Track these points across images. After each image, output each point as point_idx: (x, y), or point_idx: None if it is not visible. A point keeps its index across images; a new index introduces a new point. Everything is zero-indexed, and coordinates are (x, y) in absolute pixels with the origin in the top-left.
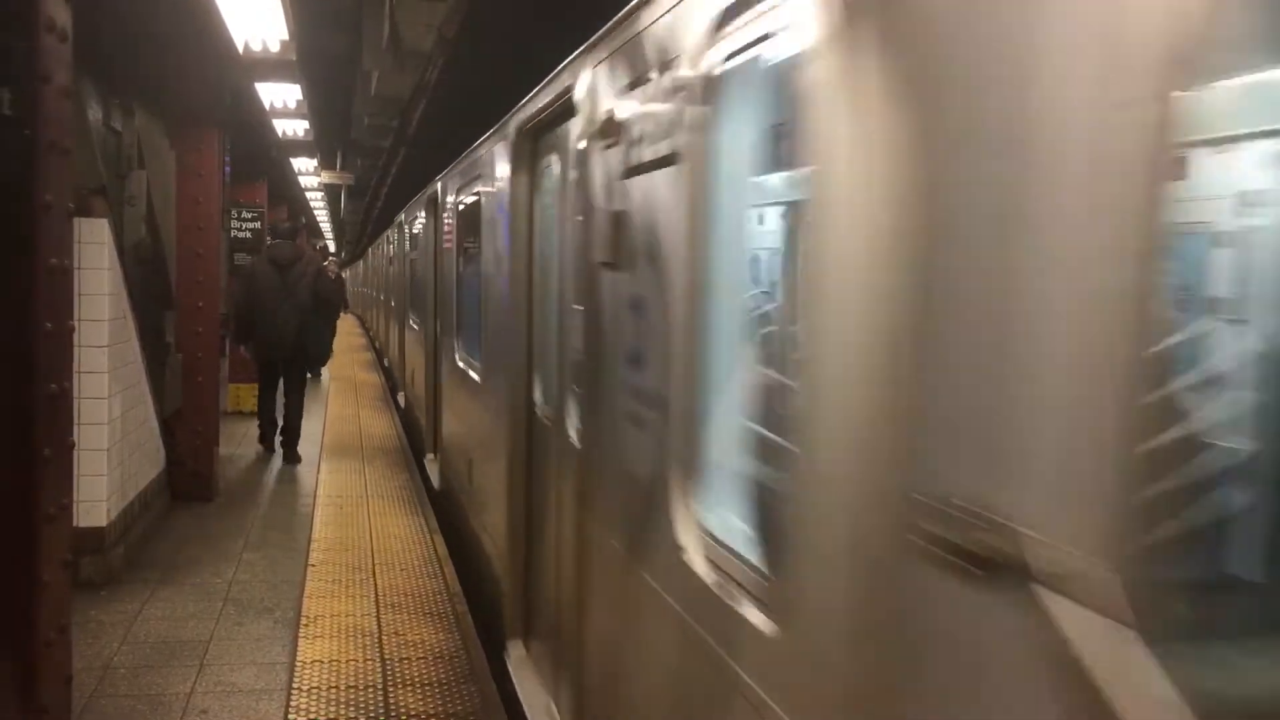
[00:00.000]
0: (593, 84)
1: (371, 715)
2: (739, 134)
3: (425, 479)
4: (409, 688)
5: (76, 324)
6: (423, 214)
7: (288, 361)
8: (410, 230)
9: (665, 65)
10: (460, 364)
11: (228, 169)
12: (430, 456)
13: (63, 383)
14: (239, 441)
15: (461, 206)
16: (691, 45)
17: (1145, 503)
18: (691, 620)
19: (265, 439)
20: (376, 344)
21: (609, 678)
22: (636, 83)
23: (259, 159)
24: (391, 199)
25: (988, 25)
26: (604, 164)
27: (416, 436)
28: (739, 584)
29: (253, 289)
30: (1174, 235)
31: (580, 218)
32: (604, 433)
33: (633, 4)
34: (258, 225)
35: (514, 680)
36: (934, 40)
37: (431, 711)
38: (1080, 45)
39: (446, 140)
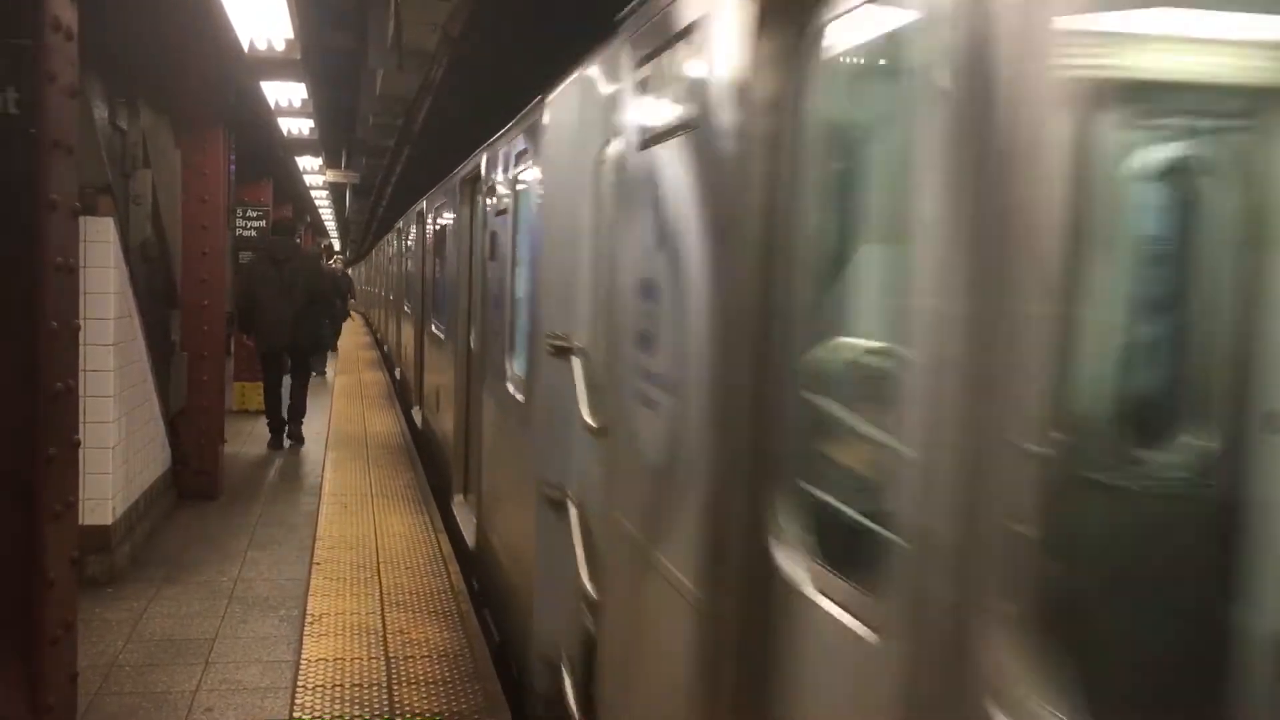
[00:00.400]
0: (485, 163)
1: (376, 713)
2: (526, 203)
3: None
4: (413, 686)
5: (82, 322)
6: (416, 222)
7: (287, 353)
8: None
9: (506, 164)
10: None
11: (233, 168)
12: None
13: (68, 381)
14: (244, 440)
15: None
16: (506, 159)
17: None
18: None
19: (274, 440)
20: (385, 347)
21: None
22: (496, 168)
23: (264, 158)
24: (396, 198)
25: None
26: (488, 204)
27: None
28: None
29: (251, 283)
30: None
31: (486, 231)
32: (488, 356)
33: (501, 132)
34: (263, 224)
35: (454, 512)
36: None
37: (436, 710)
38: None
39: (451, 138)
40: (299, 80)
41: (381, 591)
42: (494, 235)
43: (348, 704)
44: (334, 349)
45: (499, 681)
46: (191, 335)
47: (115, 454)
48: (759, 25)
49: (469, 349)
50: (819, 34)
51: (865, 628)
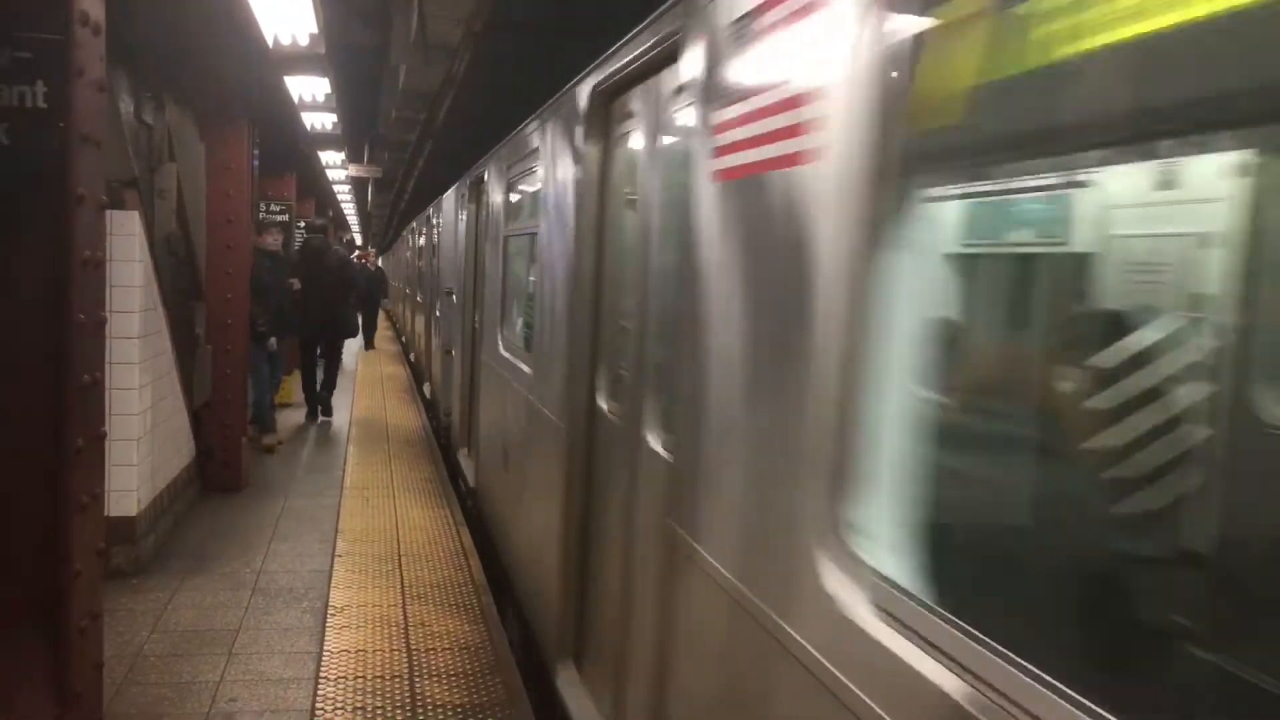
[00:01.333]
0: (489, 171)
1: (398, 705)
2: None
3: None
4: (435, 678)
5: (108, 315)
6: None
7: (321, 339)
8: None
9: (504, 174)
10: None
11: (256, 162)
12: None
13: (95, 373)
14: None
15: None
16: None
17: None
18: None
19: (310, 412)
20: (410, 353)
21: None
22: (504, 176)
23: (287, 152)
24: (418, 192)
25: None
26: (489, 204)
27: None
28: None
29: (301, 275)
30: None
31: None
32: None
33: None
34: (286, 218)
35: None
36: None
37: (457, 702)
38: None
39: (473, 133)
40: (322, 75)
41: (403, 584)
42: (486, 236)
43: (370, 695)
44: (368, 343)
45: (519, 674)
46: (216, 329)
47: (141, 446)
48: (588, 131)
49: (474, 330)
50: (613, 141)
51: (661, 447)
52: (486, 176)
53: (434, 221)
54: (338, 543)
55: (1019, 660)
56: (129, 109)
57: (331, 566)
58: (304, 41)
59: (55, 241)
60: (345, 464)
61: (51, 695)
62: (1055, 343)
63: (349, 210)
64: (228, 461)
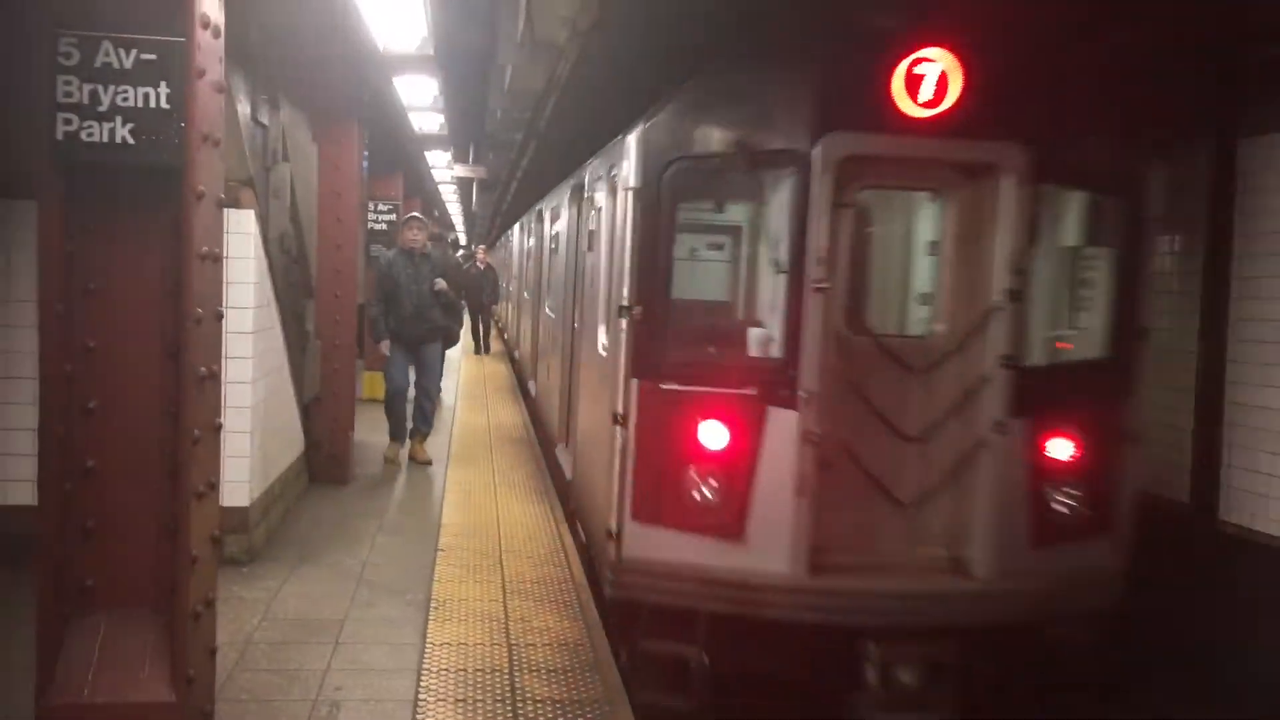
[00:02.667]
0: (587, 180)
1: (498, 698)
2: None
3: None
4: (534, 673)
5: (224, 311)
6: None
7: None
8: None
9: (601, 180)
10: None
11: (366, 163)
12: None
13: (212, 366)
14: (373, 427)
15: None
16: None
17: None
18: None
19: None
20: (514, 351)
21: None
22: (597, 187)
23: (395, 153)
24: (522, 191)
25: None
26: (585, 211)
27: None
28: None
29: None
30: None
31: (589, 228)
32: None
33: (600, 152)
34: (393, 218)
35: (558, 456)
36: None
37: (556, 697)
38: None
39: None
40: (431, 76)
41: (504, 579)
42: (591, 234)
43: (471, 688)
44: (482, 347)
45: (618, 672)
46: (325, 325)
47: (254, 438)
48: (576, 201)
49: (573, 330)
50: (584, 202)
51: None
52: (586, 181)
53: (542, 222)
54: (440, 537)
55: None
56: (246, 110)
57: (434, 560)
58: (414, 44)
59: (175, 237)
60: (448, 460)
61: (167, 679)
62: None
63: (454, 210)
64: (335, 455)
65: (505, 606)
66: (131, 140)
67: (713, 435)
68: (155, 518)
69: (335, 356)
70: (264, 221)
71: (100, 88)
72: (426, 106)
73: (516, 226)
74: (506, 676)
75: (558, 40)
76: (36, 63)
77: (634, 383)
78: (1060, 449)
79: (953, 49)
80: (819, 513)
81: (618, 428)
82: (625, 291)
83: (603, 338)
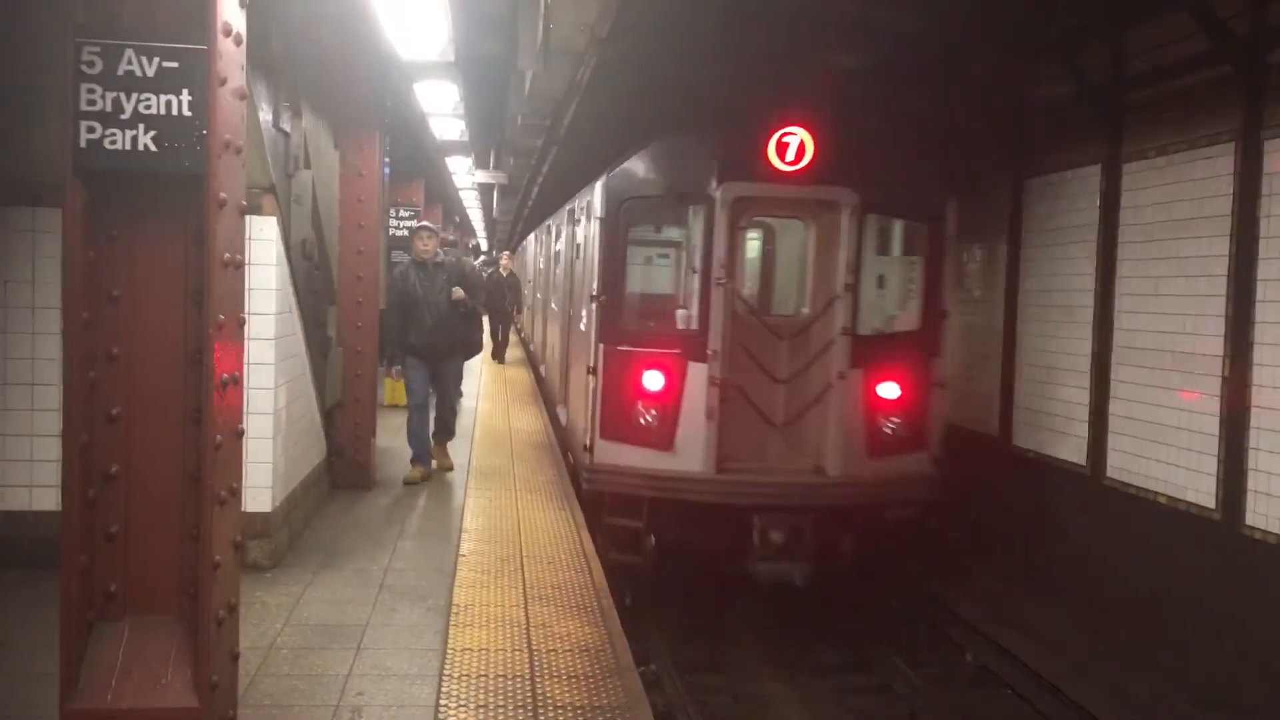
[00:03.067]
0: (575, 208)
1: (520, 704)
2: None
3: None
4: (556, 679)
5: (247, 317)
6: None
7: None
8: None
9: (580, 212)
10: None
11: (388, 169)
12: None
13: (234, 372)
14: (394, 433)
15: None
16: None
17: None
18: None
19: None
20: (540, 366)
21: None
22: (580, 214)
23: (417, 159)
24: (544, 196)
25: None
26: (575, 231)
27: None
28: None
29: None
30: None
31: (578, 242)
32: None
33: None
34: (414, 224)
35: (558, 412)
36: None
37: (578, 703)
38: None
39: (600, 137)
40: (451, 82)
41: (525, 585)
42: (579, 247)
43: (492, 694)
44: (499, 354)
45: (639, 677)
46: (347, 331)
47: (276, 444)
48: (571, 222)
49: (568, 316)
50: (575, 224)
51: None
52: (575, 209)
53: (549, 235)
54: (462, 543)
55: None
56: (268, 117)
57: (455, 566)
58: (435, 51)
59: (198, 244)
60: (470, 466)
61: (190, 682)
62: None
63: (475, 216)
64: (357, 461)
65: (526, 612)
66: (154, 148)
67: (653, 380)
68: (178, 523)
69: (357, 362)
70: (286, 228)
71: (123, 95)
72: (447, 113)
73: (531, 238)
74: (528, 682)
75: (577, 46)
76: (60, 71)
77: (601, 346)
78: (888, 391)
79: (806, 126)
80: (723, 431)
81: (590, 377)
82: (595, 285)
83: (584, 318)
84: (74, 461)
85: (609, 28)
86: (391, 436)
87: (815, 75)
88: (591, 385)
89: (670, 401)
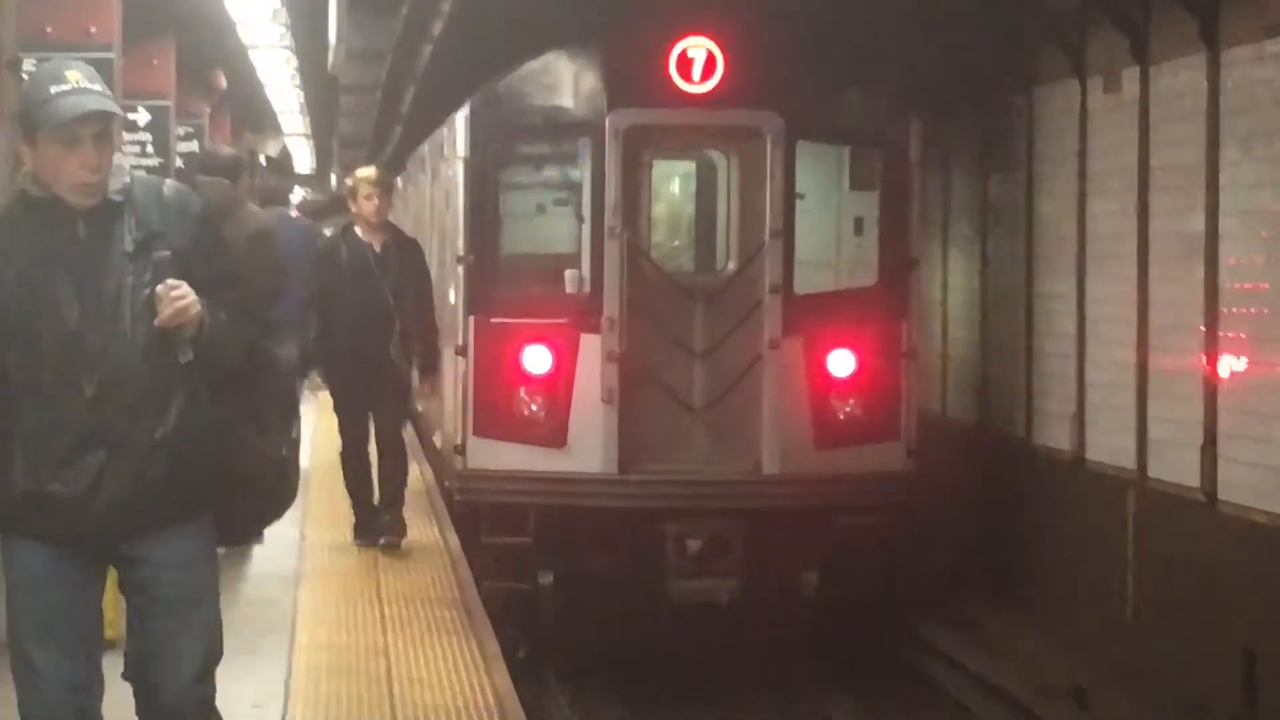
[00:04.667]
0: (442, 145)
1: None
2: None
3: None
4: None
5: None
6: None
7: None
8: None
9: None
10: None
11: None
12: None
13: None
14: None
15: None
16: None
17: None
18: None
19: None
20: None
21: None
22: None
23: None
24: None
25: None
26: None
27: None
28: None
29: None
30: None
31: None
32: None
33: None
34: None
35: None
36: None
37: None
38: None
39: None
40: None
41: None
42: (446, 195)
43: None
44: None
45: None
46: None
47: None
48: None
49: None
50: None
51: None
52: (442, 145)
53: (428, 167)
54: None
55: None
56: None
57: None
58: None
59: None
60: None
61: None
62: None
63: (297, 127)
64: None
65: None
66: None
67: (537, 359)
68: None
69: None
70: None
71: None
72: None
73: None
74: None
75: None
76: None
77: (471, 319)
78: (839, 364)
79: (714, 35)
80: (626, 420)
81: (459, 359)
82: (461, 244)
83: (451, 288)
84: None
85: None
86: None
87: None
88: (461, 369)
89: (559, 385)
